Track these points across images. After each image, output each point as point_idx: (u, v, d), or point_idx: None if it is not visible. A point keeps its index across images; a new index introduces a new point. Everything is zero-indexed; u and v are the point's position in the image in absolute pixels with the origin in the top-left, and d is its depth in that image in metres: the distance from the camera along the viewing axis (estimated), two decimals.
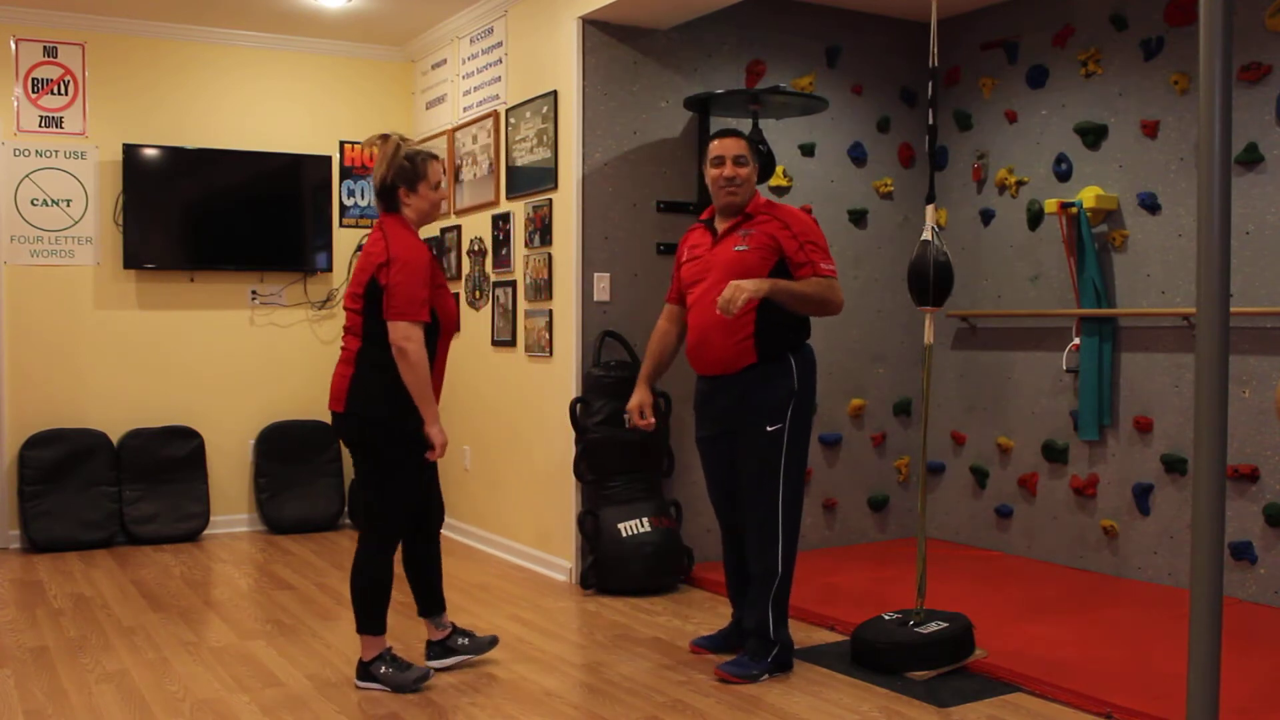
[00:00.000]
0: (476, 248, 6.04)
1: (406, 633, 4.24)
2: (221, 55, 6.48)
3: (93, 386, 6.23)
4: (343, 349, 3.66)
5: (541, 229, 5.36)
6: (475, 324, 6.08)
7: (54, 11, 6.01)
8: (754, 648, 3.77)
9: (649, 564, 4.86)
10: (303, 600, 4.87)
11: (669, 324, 4.10)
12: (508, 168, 5.70)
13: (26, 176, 6.07)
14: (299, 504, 6.52)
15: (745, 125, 5.21)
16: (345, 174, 6.77)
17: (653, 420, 4.04)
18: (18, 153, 6.06)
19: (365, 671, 3.66)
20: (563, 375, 5.21)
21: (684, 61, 5.29)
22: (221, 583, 5.24)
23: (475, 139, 6.03)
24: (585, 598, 4.89)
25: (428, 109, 6.68)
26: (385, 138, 3.67)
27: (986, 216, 5.71)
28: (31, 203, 6.08)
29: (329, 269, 6.67)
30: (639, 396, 4.05)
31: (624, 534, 4.85)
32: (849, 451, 5.84)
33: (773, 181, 5.49)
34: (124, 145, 6.18)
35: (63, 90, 6.15)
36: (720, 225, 3.87)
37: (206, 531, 6.38)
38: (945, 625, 3.80)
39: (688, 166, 5.30)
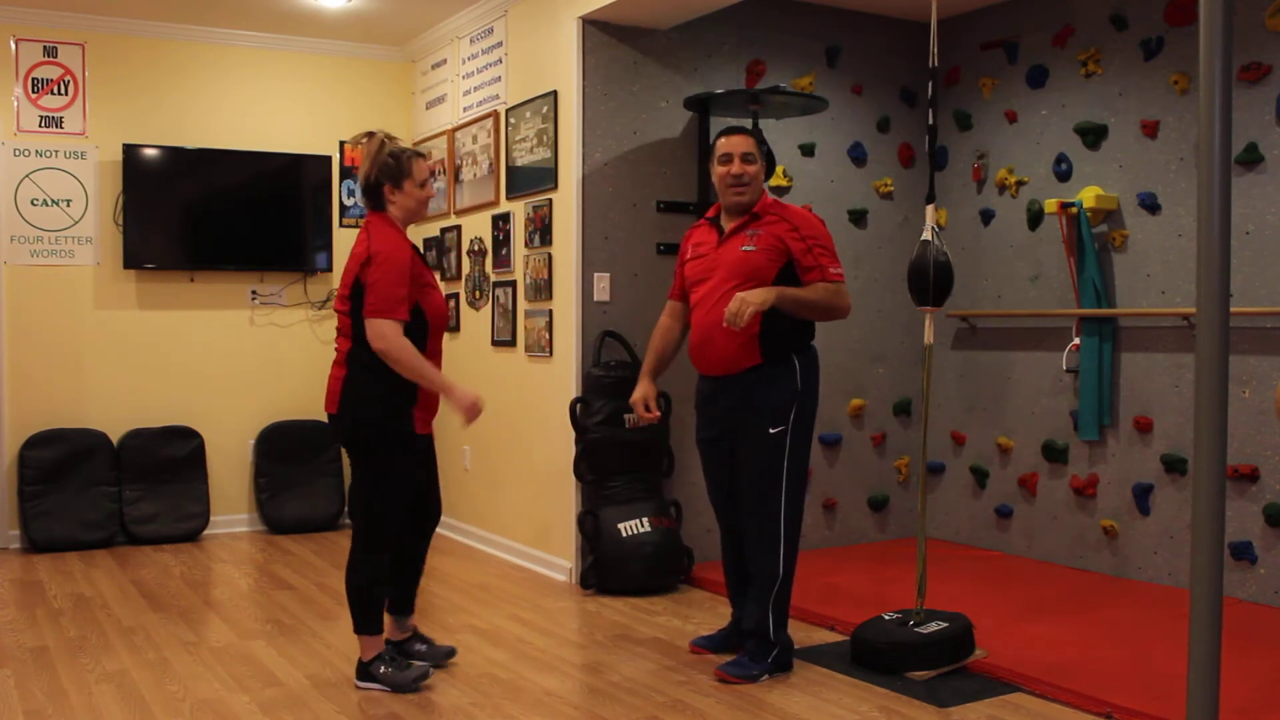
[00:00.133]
0: (476, 248, 6.04)
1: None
2: (221, 55, 6.48)
3: (93, 386, 6.23)
4: (336, 351, 3.66)
5: (541, 229, 5.36)
6: (475, 324, 6.08)
7: (54, 11, 6.01)
8: (754, 648, 3.76)
9: (649, 564, 4.86)
10: (303, 600, 4.87)
11: (672, 320, 4.07)
12: (508, 168, 5.70)
13: (26, 176, 6.07)
14: (299, 504, 6.52)
15: (745, 125, 5.21)
16: (345, 174, 6.77)
17: (658, 412, 4.02)
18: (18, 153, 6.06)
19: (365, 671, 3.66)
20: (563, 375, 5.21)
21: (684, 61, 5.29)
22: (221, 583, 5.24)
23: (475, 139, 6.03)
24: (585, 598, 4.89)
25: (428, 109, 6.68)
26: (370, 135, 3.65)
27: (986, 216, 5.71)
28: (31, 203, 6.08)
29: (329, 269, 6.67)
30: (643, 389, 4.00)
31: (624, 534, 4.85)
32: (849, 451, 5.84)
33: (773, 181, 5.49)
34: (124, 145, 6.18)
35: (63, 90, 6.15)
36: (727, 224, 3.83)
37: (206, 531, 6.38)
38: (945, 625, 3.80)
39: (688, 166, 5.30)
